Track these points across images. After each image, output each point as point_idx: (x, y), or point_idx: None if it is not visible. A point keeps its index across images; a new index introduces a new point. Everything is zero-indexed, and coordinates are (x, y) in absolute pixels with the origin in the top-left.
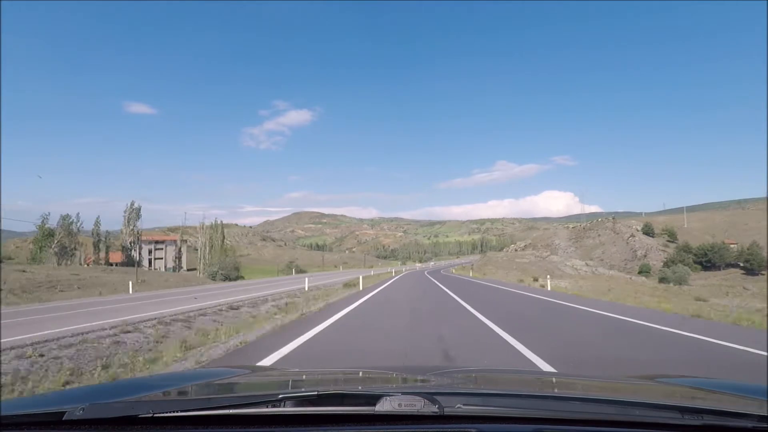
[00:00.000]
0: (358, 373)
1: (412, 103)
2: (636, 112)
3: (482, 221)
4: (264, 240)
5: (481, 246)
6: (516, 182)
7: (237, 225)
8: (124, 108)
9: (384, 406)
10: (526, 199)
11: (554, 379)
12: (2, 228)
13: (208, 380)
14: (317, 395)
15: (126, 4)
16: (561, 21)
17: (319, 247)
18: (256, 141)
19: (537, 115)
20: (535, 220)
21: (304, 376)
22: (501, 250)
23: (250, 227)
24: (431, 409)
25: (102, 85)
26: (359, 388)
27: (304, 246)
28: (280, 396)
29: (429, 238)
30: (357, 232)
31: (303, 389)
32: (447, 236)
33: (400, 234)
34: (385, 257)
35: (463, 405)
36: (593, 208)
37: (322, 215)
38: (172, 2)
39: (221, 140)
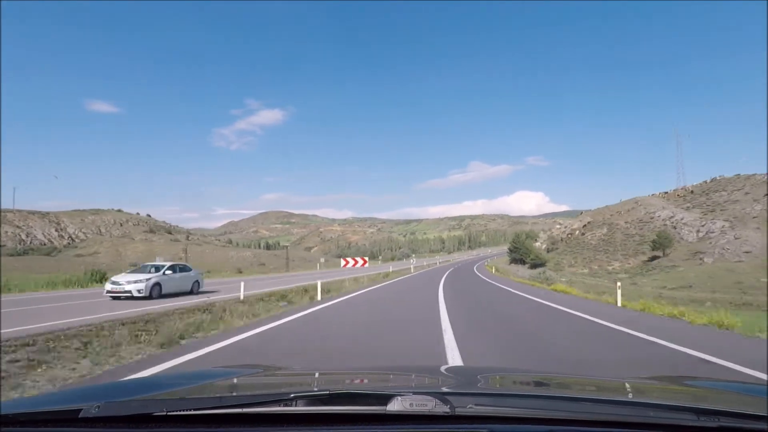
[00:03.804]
0: (370, 373)
1: (387, 104)
2: (605, 112)
3: (461, 218)
4: (169, 233)
5: (469, 241)
6: (490, 182)
7: (140, 214)
8: (86, 106)
9: (395, 406)
10: (499, 199)
11: (567, 380)
12: None
13: (220, 379)
14: (329, 395)
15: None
16: (532, 24)
17: (269, 246)
18: (227, 141)
19: (510, 116)
20: (518, 217)
21: (315, 376)
22: (533, 240)
23: (151, 217)
24: (443, 409)
25: (59, 81)
26: (371, 388)
27: (228, 244)
28: (292, 395)
29: (405, 236)
30: (321, 229)
31: (314, 388)
32: (425, 233)
33: (371, 231)
34: (348, 256)
35: (475, 405)
36: (563, 207)
37: (291, 215)
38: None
39: (191, 140)
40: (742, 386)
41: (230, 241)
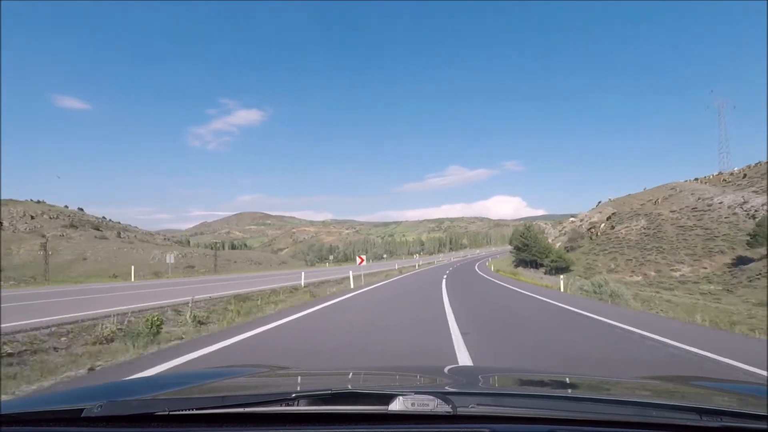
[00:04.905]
0: (372, 373)
1: (367, 107)
2: (580, 119)
3: (441, 220)
4: (97, 229)
5: (450, 243)
6: (468, 187)
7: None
8: (53, 102)
9: (397, 406)
10: (477, 203)
11: (569, 379)
12: None
13: (223, 379)
14: (331, 394)
15: None
16: (512, 30)
17: (234, 247)
18: (203, 141)
19: (488, 121)
20: (498, 220)
21: (318, 375)
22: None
23: (80, 209)
24: (444, 408)
25: (23, 74)
26: (372, 387)
27: (184, 244)
28: (294, 395)
29: (383, 238)
30: (294, 230)
31: (316, 388)
32: (404, 235)
33: (347, 232)
34: (311, 261)
35: (477, 405)
36: (540, 212)
37: (268, 216)
38: None
39: (165, 139)
40: (743, 386)
41: (188, 242)
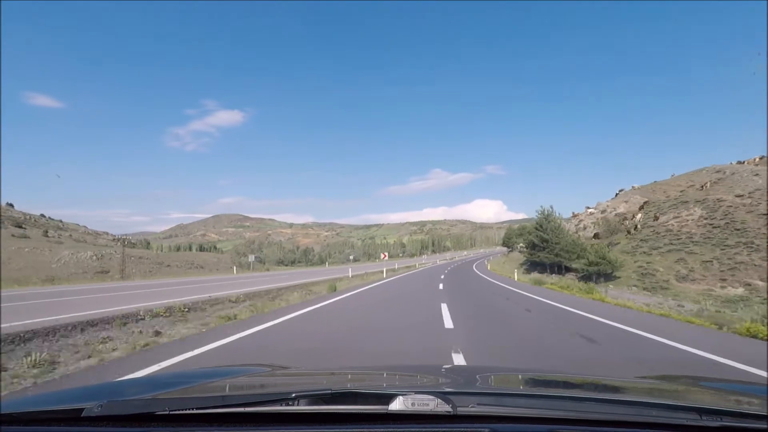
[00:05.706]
0: (372, 372)
1: (350, 109)
2: (560, 123)
3: (423, 223)
4: (19, 227)
5: (432, 245)
6: (450, 190)
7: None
8: (24, 99)
9: (397, 405)
10: (459, 207)
11: (569, 379)
12: None
13: (222, 378)
14: (331, 394)
15: None
16: (496, 35)
17: (202, 249)
18: (182, 142)
19: (470, 125)
20: (481, 222)
21: (318, 375)
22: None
23: (9, 204)
24: (444, 408)
25: None
26: (372, 387)
27: (131, 246)
28: (294, 394)
29: (363, 240)
30: (270, 232)
31: (316, 388)
32: (385, 238)
33: (326, 234)
34: (288, 263)
35: (477, 404)
36: (520, 215)
37: (246, 219)
38: None
39: (143, 139)
40: (743, 386)
41: (147, 245)
